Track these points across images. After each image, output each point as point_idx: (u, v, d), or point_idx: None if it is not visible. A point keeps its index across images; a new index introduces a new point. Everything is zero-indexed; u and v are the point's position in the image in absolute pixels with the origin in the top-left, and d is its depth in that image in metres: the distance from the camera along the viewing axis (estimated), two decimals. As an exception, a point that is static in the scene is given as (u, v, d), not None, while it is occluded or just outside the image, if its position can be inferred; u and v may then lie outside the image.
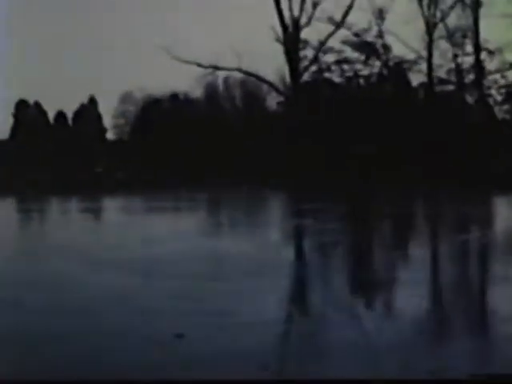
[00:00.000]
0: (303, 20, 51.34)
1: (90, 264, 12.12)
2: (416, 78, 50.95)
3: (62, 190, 39.61)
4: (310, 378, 5.80)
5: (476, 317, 8.32)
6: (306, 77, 51.96)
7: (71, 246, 15.11)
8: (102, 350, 6.64)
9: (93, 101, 63.87)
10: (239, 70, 52.74)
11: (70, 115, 63.96)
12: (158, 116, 56.80)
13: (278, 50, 51.48)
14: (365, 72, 50.80)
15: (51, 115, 63.33)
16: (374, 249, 14.95)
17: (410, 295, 9.16)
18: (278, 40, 51.26)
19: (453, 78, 49.54)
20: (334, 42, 50.62)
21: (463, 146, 42.52)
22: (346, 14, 50.18)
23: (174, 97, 60.75)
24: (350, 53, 50.35)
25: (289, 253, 14.45)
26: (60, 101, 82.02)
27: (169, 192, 35.41)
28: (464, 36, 48.47)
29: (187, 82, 78.62)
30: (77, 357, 6.46)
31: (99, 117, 64.03)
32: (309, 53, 51.29)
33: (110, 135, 64.48)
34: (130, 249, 14.35)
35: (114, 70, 77.30)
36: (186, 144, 50.72)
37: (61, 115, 63.55)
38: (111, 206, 33.18)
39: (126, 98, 62.52)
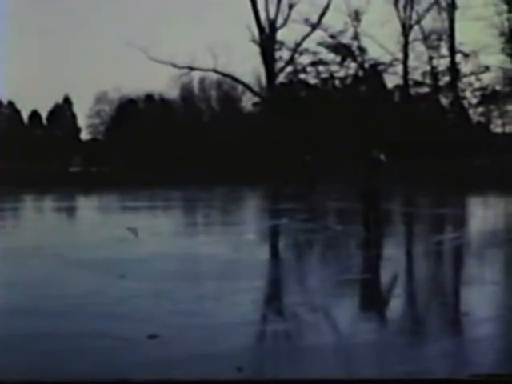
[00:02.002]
0: (279, 21, 51.48)
1: (63, 264, 11.98)
2: (391, 80, 51.28)
3: (36, 189, 39.23)
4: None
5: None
6: (281, 78, 52.08)
7: (44, 245, 14.92)
8: (71, 351, 6.54)
9: (67, 100, 63.54)
10: (215, 70, 52.72)
11: (44, 115, 63.69)
12: (133, 116, 56.50)
13: (254, 50, 51.57)
14: (340, 74, 50.99)
15: (25, 115, 63.04)
16: (349, 247, 14.92)
17: (383, 295, 9.16)
18: (253, 41, 51.34)
19: (428, 81, 49.86)
20: (309, 44, 50.79)
21: (438, 148, 42.78)
22: (322, 15, 50.39)
23: (150, 97, 60.54)
24: (325, 54, 50.51)
25: (264, 252, 14.42)
26: (35, 100, 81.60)
27: (144, 191, 35.23)
28: (439, 38, 48.78)
29: (163, 82, 78.74)
30: (45, 357, 6.37)
31: (74, 116, 63.73)
32: (284, 54, 51.43)
33: (84, 135, 64.27)
34: (103, 248, 14.21)
35: (89, 70, 76.95)
36: (162, 144, 50.49)
37: (35, 115, 63.17)
38: (86, 204, 32.97)
39: (101, 97, 62.21)
